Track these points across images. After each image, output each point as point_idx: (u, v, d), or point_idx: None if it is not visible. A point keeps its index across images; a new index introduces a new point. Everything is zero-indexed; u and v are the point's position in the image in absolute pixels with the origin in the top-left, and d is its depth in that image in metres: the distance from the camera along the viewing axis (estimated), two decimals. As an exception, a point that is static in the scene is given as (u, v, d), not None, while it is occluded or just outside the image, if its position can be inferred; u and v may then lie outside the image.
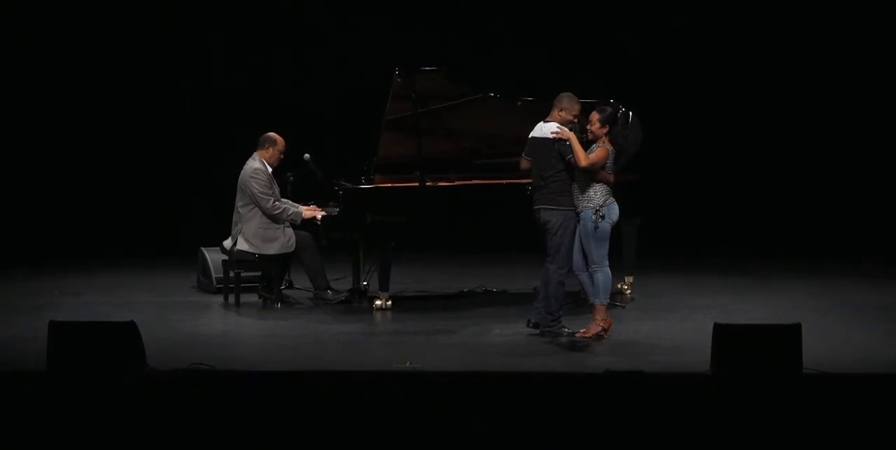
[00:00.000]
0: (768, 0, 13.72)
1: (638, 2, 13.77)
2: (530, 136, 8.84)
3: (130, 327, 7.10)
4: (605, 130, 8.54)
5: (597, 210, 8.50)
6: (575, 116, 8.69)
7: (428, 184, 9.86)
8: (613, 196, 8.58)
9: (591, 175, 8.52)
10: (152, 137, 13.89)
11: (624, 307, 9.85)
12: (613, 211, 8.56)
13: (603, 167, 8.53)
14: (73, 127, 13.83)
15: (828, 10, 13.59)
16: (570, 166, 8.54)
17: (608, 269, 8.59)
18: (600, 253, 8.56)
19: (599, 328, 8.53)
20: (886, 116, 13.77)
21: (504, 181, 9.96)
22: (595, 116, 8.57)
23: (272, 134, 10.06)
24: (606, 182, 8.54)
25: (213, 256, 10.51)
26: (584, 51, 13.54)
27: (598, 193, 8.53)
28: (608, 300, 8.65)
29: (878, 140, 13.78)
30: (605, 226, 8.54)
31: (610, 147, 8.55)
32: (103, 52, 13.73)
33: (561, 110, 8.71)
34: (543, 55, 13.58)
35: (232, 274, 10.03)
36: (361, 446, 6.46)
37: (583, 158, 8.46)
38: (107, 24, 13.70)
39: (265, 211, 9.84)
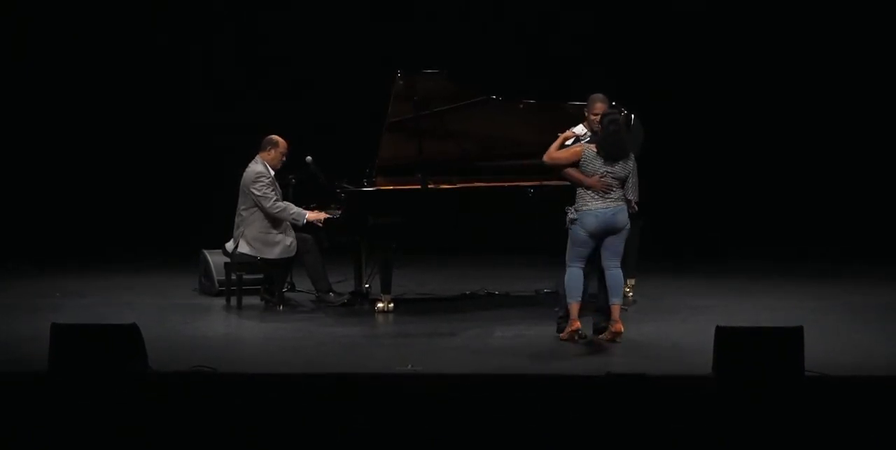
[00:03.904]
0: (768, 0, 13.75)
1: (638, 1, 13.78)
2: None
3: (132, 330, 7.10)
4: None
5: (566, 211, 8.54)
6: (596, 115, 8.70)
7: (430, 186, 9.86)
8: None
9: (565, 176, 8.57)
10: (154, 139, 13.90)
11: (626, 309, 9.84)
12: (586, 219, 8.48)
13: (576, 166, 8.49)
14: (75, 127, 13.84)
15: (828, 10, 13.60)
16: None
17: (573, 269, 8.53)
18: (570, 253, 8.56)
19: (569, 330, 8.51)
20: (887, 116, 13.77)
21: (506, 183, 9.96)
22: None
23: (274, 136, 10.06)
24: (581, 184, 8.49)
25: (214, 259, 10.52)
26: (586, 53, 13.56)
27: (579, 196, 8.53)
28: (573, 300, 8.52)
29: (879, 140, 13.79)
30: (575, 230, 8.52)
31: (588, 150, 8.51)
32: (104, 53, 13.75)
33: (587, 112, 8.83)
34: (546, 57, 13.62)
35: (234, 276, 10.03)
36: (363, 449, 6.47)
37: (548, 152, 8.60)
38: (107, 24, 13.71)
39: (267, 211, 9.83)
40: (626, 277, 10.23)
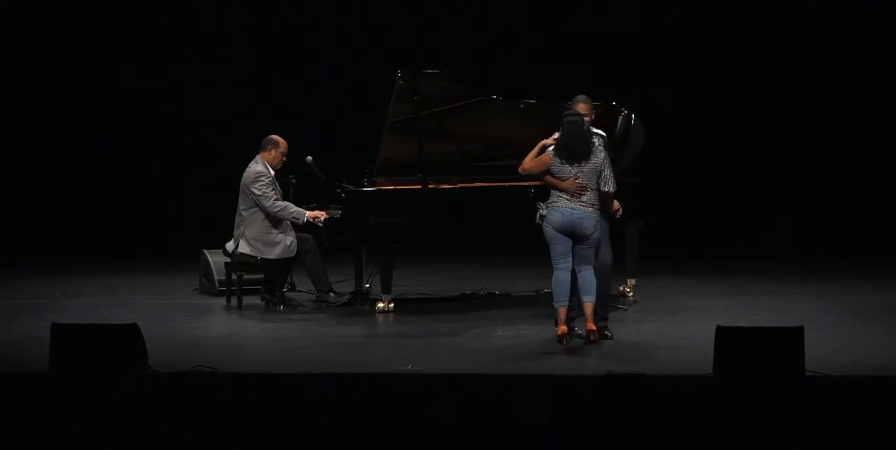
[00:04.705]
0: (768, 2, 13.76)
1: (638, 2, 13.80)
2: None
3: (133, 330, 7.10)
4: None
5: (538, 207, 8.54)
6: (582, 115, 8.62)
7: (430, 186, 9.86)
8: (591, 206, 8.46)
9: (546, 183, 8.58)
10: (155, 139, 13.91)
11: (626, 309, 9.85)
12: (552, 214, 8.44)
13: (549, 173, 8.48)
14: (75, 127, 13.85)
15: (826, 11, 13.61)
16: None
17: (558, 272, 8.46)
18: (551, 253, 8.51)
19: (557, 334, 8.44)
20: (887, 117, 13.77)
21: (506, 183, 9.96)
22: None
23: (274, 136, 10.06)
24: (557, 189, 8.46)
25: (215, 259, 10.52)
26: (588, 53, 13.56)
27: (552, 194, 8.51)
28: (559, 305, 8.46)
29: (879, 141, 13.79)
30: (543, 226, 8.48)
31: (551, 156, 8.46)
32: (105, 53, 13.76)
33: None
34: (548, 57, 13.63)
35: (234, 276, 10.03)
36: (362, 449, 6.47)
37: (522, 163, 8.61)
38: (107, 24, 13.72)
39: (267, 210, 9.83)
40: (626, 277, 10.30)
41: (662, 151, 10.68)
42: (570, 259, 8.50)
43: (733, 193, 13.82)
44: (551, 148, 8.52)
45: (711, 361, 7.03)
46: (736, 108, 13.80)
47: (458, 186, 10.11)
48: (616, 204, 8.76)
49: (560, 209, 8.43)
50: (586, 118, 8.54)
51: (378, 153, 10.04)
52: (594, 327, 8.42)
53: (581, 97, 8.67)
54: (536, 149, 8.60)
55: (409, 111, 9.81)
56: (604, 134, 8.83)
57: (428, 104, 9.86)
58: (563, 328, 8.41)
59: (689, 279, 11.55)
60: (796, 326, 7.03)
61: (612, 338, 8.60)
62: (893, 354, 8.05)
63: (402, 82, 9.69)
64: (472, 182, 10.19)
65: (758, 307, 9.82)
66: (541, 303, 10.03)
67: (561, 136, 8.48)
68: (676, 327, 9.11)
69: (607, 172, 8.48)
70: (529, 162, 8.58)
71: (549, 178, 8.51)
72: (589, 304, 8.44)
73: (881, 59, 13.69)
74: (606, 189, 8.48)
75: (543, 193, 9.37)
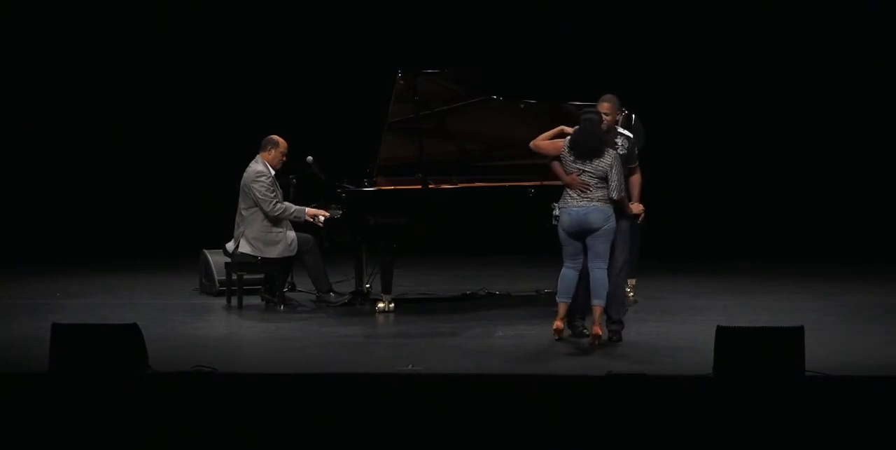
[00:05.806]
0: (768, 1, 13.76)
1: (639, 3, 13.80)
2: None
3: (133, 330, 7.10)
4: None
5: (552, 208, 8.55)
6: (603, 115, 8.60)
7: (430, 186, 9.86)
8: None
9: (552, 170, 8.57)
10: (155, 139, 13.91)
11: (626, 309, 9.84)
12: (562, 217, 8.44)
13: (558, 160, 8.47)
14: (76, 128, 13.85)
15: (823, 13, 13.63)
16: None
17: (566, 269, 8.47)
18: (562, 252, 8.51)
19: (552, 329, 8.46)
20: (887, 117, 13.77)
21: (506, 183, 9.96)
22: None
23: (274, 136, 10.07)
24: (562, 181, 8.46)
25: (215, 259, 10.52)
26: (588, 53, 13.57)
27: (562, 195, 8.50)
28: (560, 300, 8.47)
29: (879, 141, 13.79)
30: (558, 228, 8.49)
31: (564, 147, 8.45)
32: (106, 54, 13.77)
33: None
34: (551, 58, 13.64)
35: (234, 276, 10.03)
36: (362, 449, 6.47)
37: (536, 138, 8.59)
38: (109, 25, 13.73)
39: (268, 213, 9.83)
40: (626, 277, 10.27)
41: (663, 149, 10.67)
42: (581, 260, 8.48)
43: (734, 193, 13.81)
44: (568, 138, 8.51)
45: (711, 361, 7.03)
46: (737, 106, 13.80)
47: (458, 186, 10.11)
48: (639, 207, 8.71)
49: (567, 210, 8.42)
50: (608, 118, 8.52)
51: (378, 153, 10.04)
52: (599, 332, 8.38)
53: (607, 96, 8.61)
54: (555, 131, 8.54)
55: (409, 111, 9.81)
56: (630, 135, 8.78)
57: (428, 104, 9.86)
58: (559, 324, 8.41)
59: (689, 279, 11.55)
60: (796, 326, 7.03)
61: (620, 341, 8.57)
62: (893, 354, 8.05)
63: (402, 82, 9.69)
64: (472, 182, 10.19)
65: (758, 307, 9.82)
66: (541, 303, 10.04)
67: (576, 131, 8.47)
68: (676, 327, 9.11)
69: (613, 177, 8.35)
70: (544, 141, 8.55)
71: (556, 164, 8.50)
72: (598, 307, 8.42)
73: (881, 59, 13.69)
74: (612, 196, 8.39)
75: (543, 194, 9.41)
